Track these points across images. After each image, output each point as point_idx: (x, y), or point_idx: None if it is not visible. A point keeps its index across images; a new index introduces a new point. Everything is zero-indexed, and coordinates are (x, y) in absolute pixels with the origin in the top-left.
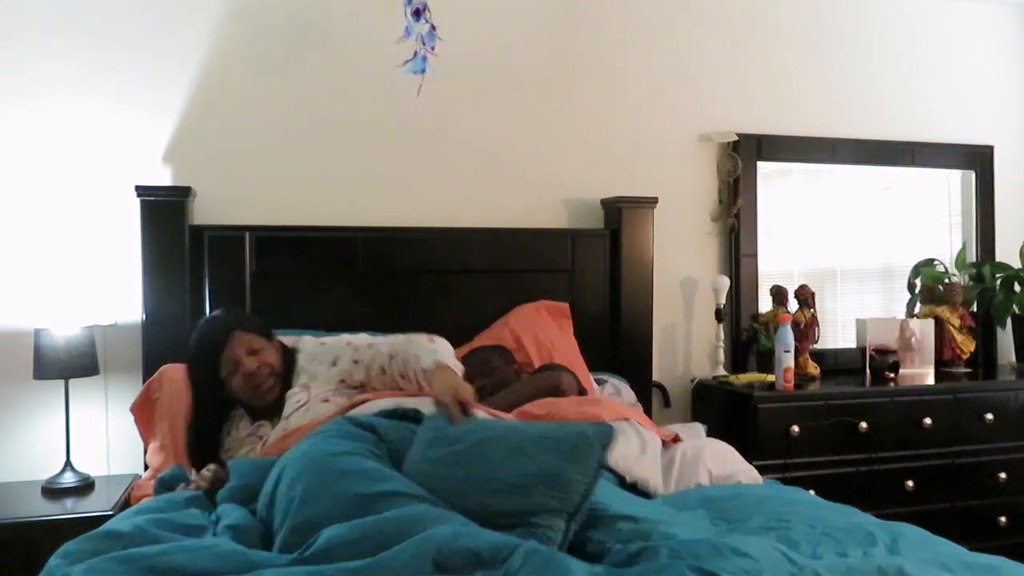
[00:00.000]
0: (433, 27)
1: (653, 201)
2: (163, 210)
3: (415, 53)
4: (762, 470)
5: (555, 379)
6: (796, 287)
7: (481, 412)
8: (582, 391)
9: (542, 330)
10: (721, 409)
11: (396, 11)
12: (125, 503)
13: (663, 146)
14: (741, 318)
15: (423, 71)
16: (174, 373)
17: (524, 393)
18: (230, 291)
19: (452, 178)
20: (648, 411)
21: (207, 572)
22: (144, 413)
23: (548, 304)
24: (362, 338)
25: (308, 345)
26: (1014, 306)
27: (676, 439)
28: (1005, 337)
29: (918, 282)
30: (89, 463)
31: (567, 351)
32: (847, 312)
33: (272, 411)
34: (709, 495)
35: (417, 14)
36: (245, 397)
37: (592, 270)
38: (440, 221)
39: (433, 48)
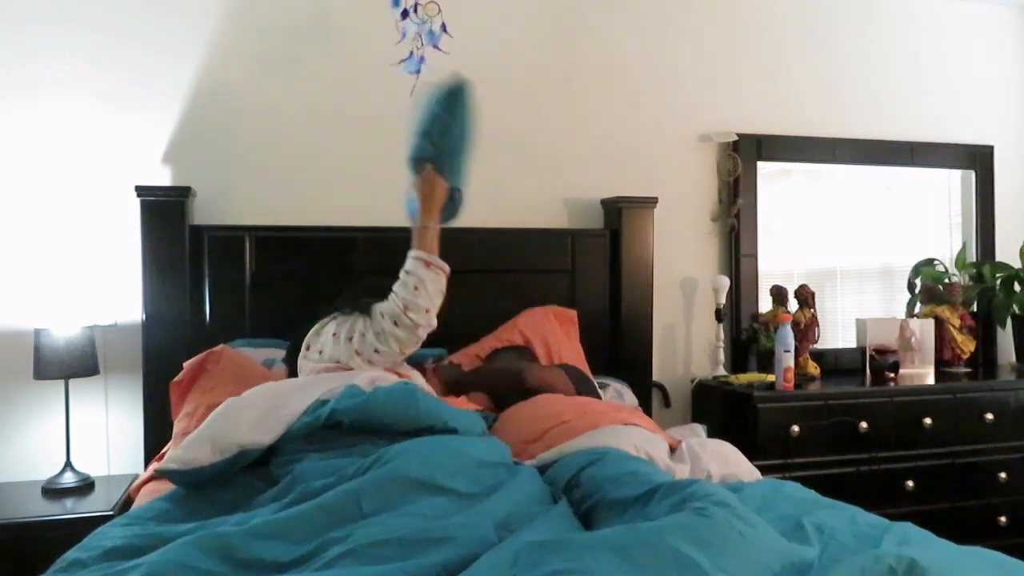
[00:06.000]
0: (443, 26)
1: (653, 201)
2: (163, 210)
3: (411, 53)
4: (762, 470)
5: (517, 369)
6: (796, 287)
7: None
8: (584, 391)
9: (551, 333)
10: (721, 409)
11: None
12: (125, 503)
13: (663, 146)
14: (741, 318)
15: (418, 71)
16: (234, 355)
17: (485, 381)
18: (230, 291)
19: None
20: (648, 411)
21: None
22: (187, 381)
23: (556, 309)
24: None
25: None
26: (1014, 306)
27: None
28: (1005, 337)
29: (918, 282)
30: (89, 463)
31: (573, 357)
32: (847, 312)
33: None
34: None
35: (405, 14)
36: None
37: (592, 270)
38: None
39: (436, 46)
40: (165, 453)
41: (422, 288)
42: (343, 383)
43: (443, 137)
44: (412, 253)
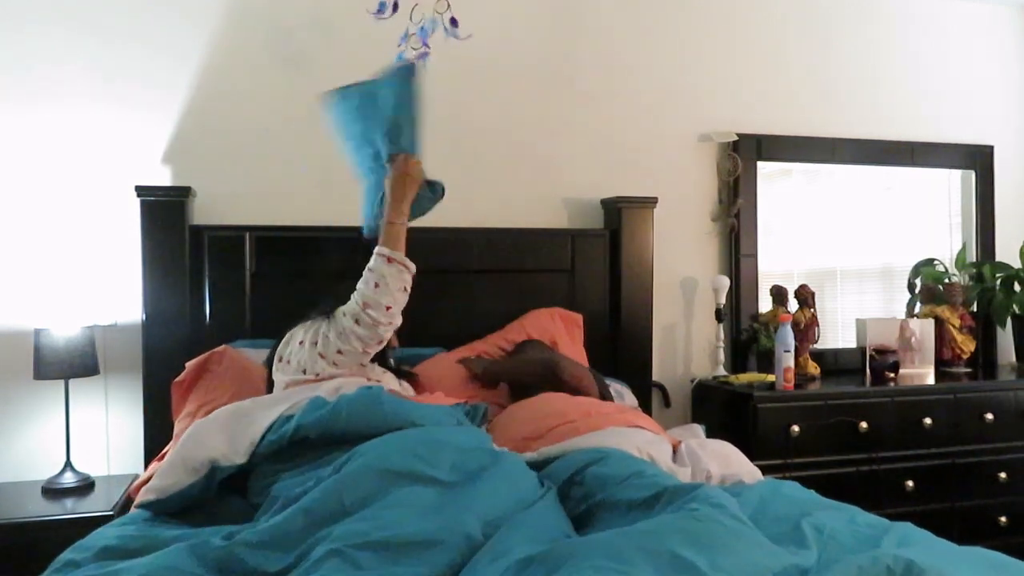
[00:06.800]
0: (454, 20)
1: (653, 201)
2: (163, 210)
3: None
4: (762, 470)
5: (551, 360)
6: (796, 287)
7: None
8: (606, 396)
9: (556, 335)
10: (721, 409)
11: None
12: (125, 503)
13: (663, 146)
14: (741, 318)
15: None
16: (237, 356)
17: (520, 368)
18: (230, 291)
19: (452, 178)
20: (648, 412)
21: None
22: (189, 381)
23: (562, 312)
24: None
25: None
26: (1014, 306)
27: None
28: (1005, 337)
29: (918, 282)
30: (89, 463)
31: (577, 359)
32: (847, 312)
33: None
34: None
35: (384, 10)
36: None
37: (592, 270)
38: (440, 221)
39: (455, 36)
40: (165, 453)
41: (383, 285)
42: (307, 396)
43: (404, 127)
44: (376, 249)
